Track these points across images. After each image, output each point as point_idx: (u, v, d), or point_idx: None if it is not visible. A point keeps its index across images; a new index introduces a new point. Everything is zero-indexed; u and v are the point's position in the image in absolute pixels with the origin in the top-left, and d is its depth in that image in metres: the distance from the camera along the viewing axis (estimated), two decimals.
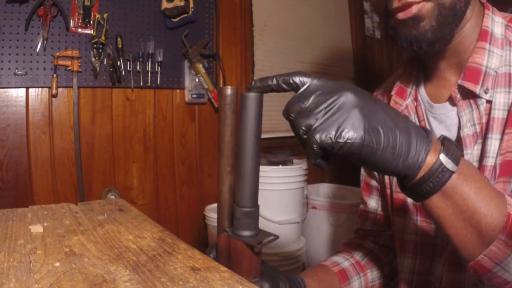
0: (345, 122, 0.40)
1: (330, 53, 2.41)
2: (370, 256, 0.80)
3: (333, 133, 0.40)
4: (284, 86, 0.44)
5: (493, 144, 0.59)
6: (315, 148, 0.40)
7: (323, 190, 2.09)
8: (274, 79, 0.44)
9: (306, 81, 0.43)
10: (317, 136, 0.40)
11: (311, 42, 2.29)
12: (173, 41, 1.68)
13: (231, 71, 1.89)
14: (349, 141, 0.40)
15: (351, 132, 0.40)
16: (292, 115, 0.43)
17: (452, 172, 0.43)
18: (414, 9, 0.57)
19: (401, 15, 0.59)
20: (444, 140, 0.45)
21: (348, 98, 0.41)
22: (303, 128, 0.42)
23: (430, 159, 0.43)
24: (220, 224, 0.53)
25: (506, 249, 0.43)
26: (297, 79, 0.43)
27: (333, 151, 0.41)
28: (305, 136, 0.42)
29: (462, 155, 0.44)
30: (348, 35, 2.57)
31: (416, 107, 0.72)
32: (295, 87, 0.44)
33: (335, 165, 2.45)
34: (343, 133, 0.40)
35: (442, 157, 0.43)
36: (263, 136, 1.99)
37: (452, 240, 0.46)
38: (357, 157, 0.42)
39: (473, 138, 0.62)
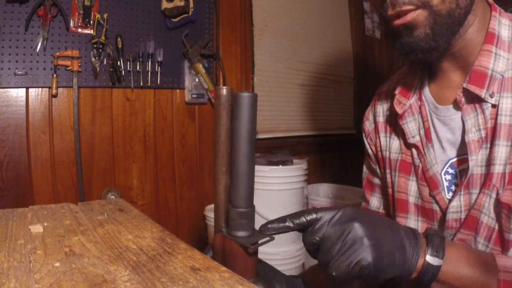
0: (357, 256, 0.48)
1: (330, 53, 2.41)
2: None
3: (347, 267, 0.48)
4: (299, 226, 0.51)
5: (501, 151, 0.58)
6: (334, 275, 0.49)
7: (323, 190, 2.09)
8: (289, 221, 0.51)
9: (315, 218, 0.51)
10: (334, 273, 0.48)
11: (311, 42, 2.29)
12: (173, 41, 1.68)
13: (231, 71, 1.89)
14: (363, 269, 0.48)
15: (362, 262, 0.48)
16: (309, 248, 0.52)
17: (440, 266, 0.52)
18: (409, 17, 0.57)
19: (396, 22, 0.58)
20: (428, 237, 0.54)
21: (356, 231, 0.49)
22: (322, 261, 0.50)
23: (420, 262, 0.52)
24: (216, 224, 0.53)
25: None
26: (306, 218, 0.51)
27: (348, 277, 0.49)
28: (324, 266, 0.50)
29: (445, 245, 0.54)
30: (348, 35, 2.57)
31: (420, 107, 0.71)
32: (307, 225, 0.51)
33: (335, 165, 2.45)
34: (355, 266, 0.48)
35: (428, 258, 0.52)
36: (263, 136, 2.01)
37: None
38: (364, 277, 0.49)
39: (478, 143, 0.61)
